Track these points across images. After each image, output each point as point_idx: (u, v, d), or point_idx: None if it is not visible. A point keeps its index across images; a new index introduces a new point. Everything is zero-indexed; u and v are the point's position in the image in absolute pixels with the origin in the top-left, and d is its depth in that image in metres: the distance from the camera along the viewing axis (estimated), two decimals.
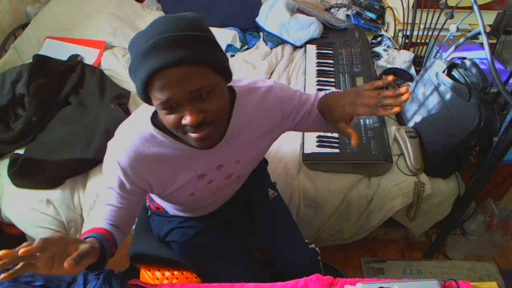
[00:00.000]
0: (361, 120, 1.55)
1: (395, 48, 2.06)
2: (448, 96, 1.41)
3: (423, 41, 1.90)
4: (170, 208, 1.15)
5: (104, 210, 0.90)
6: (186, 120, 0.74)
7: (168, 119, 0.76)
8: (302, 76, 1.89)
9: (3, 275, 0.64)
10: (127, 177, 0.87)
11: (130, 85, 1.82)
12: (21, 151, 1.45)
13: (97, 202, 0.96)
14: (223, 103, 0.80)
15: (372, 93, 0.85)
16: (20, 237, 1.44)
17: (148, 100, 0.78)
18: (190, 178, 0.94)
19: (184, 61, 0.70)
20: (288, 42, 2.12)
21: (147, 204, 1.24)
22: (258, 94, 0.94)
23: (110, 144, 0.89)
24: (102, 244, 0.81)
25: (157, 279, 1.22)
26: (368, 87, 0.86)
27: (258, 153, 1.04)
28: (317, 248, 1.27)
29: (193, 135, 0.77)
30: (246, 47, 2.16)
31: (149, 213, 1.24)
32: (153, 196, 1.13)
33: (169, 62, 0.69)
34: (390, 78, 0.84)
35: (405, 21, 2.03)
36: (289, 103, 0.98)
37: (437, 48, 1.82)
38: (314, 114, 1.01)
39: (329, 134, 1.54)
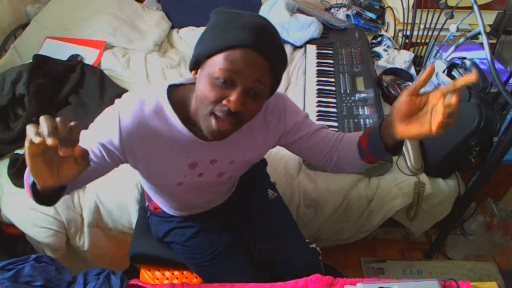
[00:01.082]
0: (361, 120, 1.55)
1: (395, 48, 2.06)
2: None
3: (423, 41, 1.90)
4: (166, 208, 1.15)
5: None
6: (231, 99, 0.75)
7: (210, 91, 0.76)
8: (302, 76, 1.89)
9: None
10: (120, 137, 0.84)
11: (130, 85, 1.82)
12: (21, 151, 1.45)
13: None
14: (258, 112, 0.82)
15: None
16: (20, 237, 1.44)
17: (200, 62, 0.78)
18: (181, 164, 0.93)
19: (270, 57, 0.75)
20: (288, 42, 2.12)
21: (146, 204, 1.24)
22: (270, 102, 0.94)
23: (117, 101, 0.87)
24: None
25: (157, 279, 1.22)
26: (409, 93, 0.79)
27: (252, 158, 1.03)
28: (318, 248, 1.27)
29: (215, 123, 0.78)
30: None
31: (148, 214, 1.24)
32: (150, 193, 1.13)
33: (263, 47, 0.74)
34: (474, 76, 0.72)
35: (405, 21, 2.03)
36: (293, 116, 0.99)
37: (437, 48, 1.82)
38: (311, 142, 1.00)
39: None
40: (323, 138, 1.00)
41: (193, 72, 0.82)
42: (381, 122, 0.88)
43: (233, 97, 0.75)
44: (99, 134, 0.85)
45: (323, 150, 1.01)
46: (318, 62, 1.93)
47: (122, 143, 0.84)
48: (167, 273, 1.23)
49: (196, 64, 0.80)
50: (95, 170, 0.88)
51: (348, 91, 1.71)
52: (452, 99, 0.74)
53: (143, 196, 1.36)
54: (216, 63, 0.74)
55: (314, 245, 1.27)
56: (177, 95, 0.87)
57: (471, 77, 0.71)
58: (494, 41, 1.78)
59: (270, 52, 0.75)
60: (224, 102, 0.75)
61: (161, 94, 0.86)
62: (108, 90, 1.70)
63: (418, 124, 0.77)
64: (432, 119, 0.75)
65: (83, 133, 0.86)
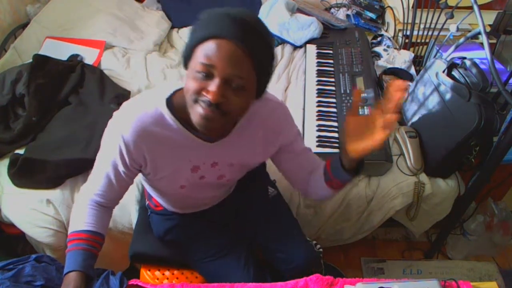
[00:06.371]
0: None
1: (395, 48, 2.06)
2: (448, 96, 1.41)
3: (423, 41, 1.90)
4: (167, 205, 1.16)
5: (96, 186, 0.95)
6: (209, 90, 0.76)
7: (192, 83, 0.77)
8: (302, 76, 1.89)
9: None
10: (128, 152, 0.88)
11: (130, 85, 1.81)
12: (21, 151, 1.45)
13: (92, 173, 0.98)
14: (243, 107, 0.82)
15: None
16: (20, 237, 1.44)
17: (189, 56, 0.79)
18: (183, 168, 0.95)
19: (249, 49, 0.74)
20: (288, 42, 2.12)
21: (147, 203, 1.24)
22: (269, 106, 0.96)
23: (116, 115, 0.89)
24: (85, 272, 0.88)
25: (157, 279, 1.22)
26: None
27: (250, 163, 1.05)
28: (318, 246, 1.26)
29: (201, 109, 0.78)
30: None
31: (149, 212, 1.24)
32: (151, 192, 1.14)
33: (240, 37, 0.73)
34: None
35: (405, 21, 2.03)
36: (289, 128, 1.02)
37: (437, 48, 1.82)
38: (294, 163, 1.05)
39: (329, 134, 1.54)
40: (304, 163, 1.05)
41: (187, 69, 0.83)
42: None
43: (212, 88, 0.75)
44: (108, 157, 0.91)
45: (301, 174, 1.06)
46: (318, 62, 1.93)
47: (130, 155, 0.89)
48: (167, 273, 1.23)
49: (186, 62, 0.81)
50: (121, 184, 0.96)
51: (348, 91, 1.71)
52: (387, 117, 0.79)
53: (143, 196, 1.36)
54: (197, 57, 0.76)
55: (314, 242, 1.27)
56: (178, 99, 0.88)
57: (400, 86, 0.77)
58: (494, 41, 1.77)
59: (248, 41, 0.74)
60: (203, 92, 0.77)
61: (160, 102, 0.88)
62: (108, 90, 1.70)
63: (361, 138, 0.84)
64: (374, 132, 0.82)
65: (96, 160, 0.95)
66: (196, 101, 0.79)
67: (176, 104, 0.88)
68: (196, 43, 0.76)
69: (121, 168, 0.91)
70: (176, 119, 0.88)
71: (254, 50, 0.75)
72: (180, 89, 0.89)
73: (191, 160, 0.94)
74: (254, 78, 0.79)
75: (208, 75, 0.75)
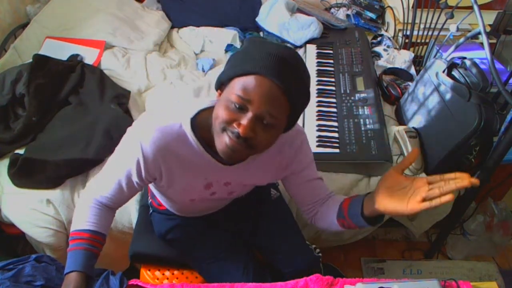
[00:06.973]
0: (361, 120, 1.55)
1: (395, 48, 2.06)
2: (448, 96, 1.41)
3: (423, 41, 1.90)
4: (171, 208, 1.16)
5: (104, 188, 0.94)
6: (241, 123, 0.76)
7: (224, 112, 0.77)
8: None
9: None
10: (145, 164, 0.88)
11: (130, 85, 1.82)
12: (21, 151, 1.45)
13: (101, 175, 0.97)
14: (270, 142, 0.82)
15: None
16: (20, 237, 1.44)
17: (224, 84, 0.79)
18: (197, 184, 0.96)
19: (287, 90, 0.75)
20: (288, 42, 2.12)
21: (149, 201, 1.24)
22: (289, 133, 0.94)
23: (137, 124, 0.89)
24: (86, 273, 0.88)
25: (157, 279, 1.22)
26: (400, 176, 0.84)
27: (263, 183, 1.07)
28: (317, 250, 1.27)
29: (228, 140, 0.78)
30: None
31: (151, 211, 1.25)
32: (155, 192, 1.14)
33: (279, 76, 0.73)
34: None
35: (405, 21, 2.03)
36: (303, 156, 1.01)
37: (437, 48, 1.82)
38: (304, 190, 1.05)
39: (329, 134, 1.54)
40: (314, 191, 1.05)
41: (218, 92, 0.83)
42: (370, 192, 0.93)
43: (243, 121, 0.75)
44: (123, 165, 0.90)
45: (309, 200, 1.06)
46: (318, 62, 1.93)
47: (147, 167, 0.88)
48: (167, 273, 1.23)
49: (220, 86, 0.81)
50: (130, 192, 0.95)
51: (348, 91, 1.71)
52: (438, 199, 0.79)
53: (143, 195, 1.36)
54: (234, 88, 0.76)
55: (313, 246, 1.27)
56: (203, 118, 0.88)
57: (464, 182, 0.79)
58: (494, 41, 1.78)
59: (287, 83, 0.74)
60: (234, 124, 0.76)
61: (184, 120, 0.88)
62: (108, 90, 1.70)
63: (396, 199, 0.82)
64: (411, 199, 0.80)
65: (108, 163, 0.94)
66: (224, 129, 0.78)
67: (199, 124, 0.88)
68: (236, 75, 0.76)
69: (135, 178, 0.91)
70: (198, 140, 0.88)
71: (292, 91, 0.76)
72: (205, 109, 0.89)
73: (206, 178, 0.96)
74: (286, 116, 0.80)
75: (242, 107, 0.75)
